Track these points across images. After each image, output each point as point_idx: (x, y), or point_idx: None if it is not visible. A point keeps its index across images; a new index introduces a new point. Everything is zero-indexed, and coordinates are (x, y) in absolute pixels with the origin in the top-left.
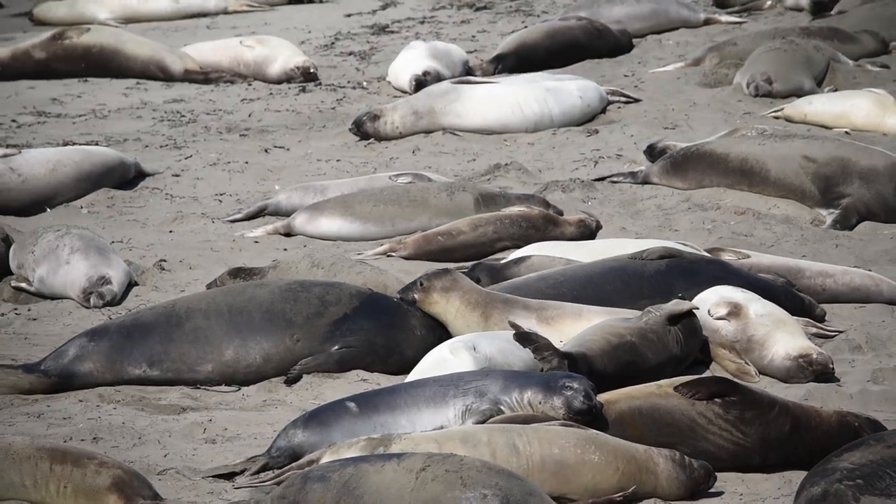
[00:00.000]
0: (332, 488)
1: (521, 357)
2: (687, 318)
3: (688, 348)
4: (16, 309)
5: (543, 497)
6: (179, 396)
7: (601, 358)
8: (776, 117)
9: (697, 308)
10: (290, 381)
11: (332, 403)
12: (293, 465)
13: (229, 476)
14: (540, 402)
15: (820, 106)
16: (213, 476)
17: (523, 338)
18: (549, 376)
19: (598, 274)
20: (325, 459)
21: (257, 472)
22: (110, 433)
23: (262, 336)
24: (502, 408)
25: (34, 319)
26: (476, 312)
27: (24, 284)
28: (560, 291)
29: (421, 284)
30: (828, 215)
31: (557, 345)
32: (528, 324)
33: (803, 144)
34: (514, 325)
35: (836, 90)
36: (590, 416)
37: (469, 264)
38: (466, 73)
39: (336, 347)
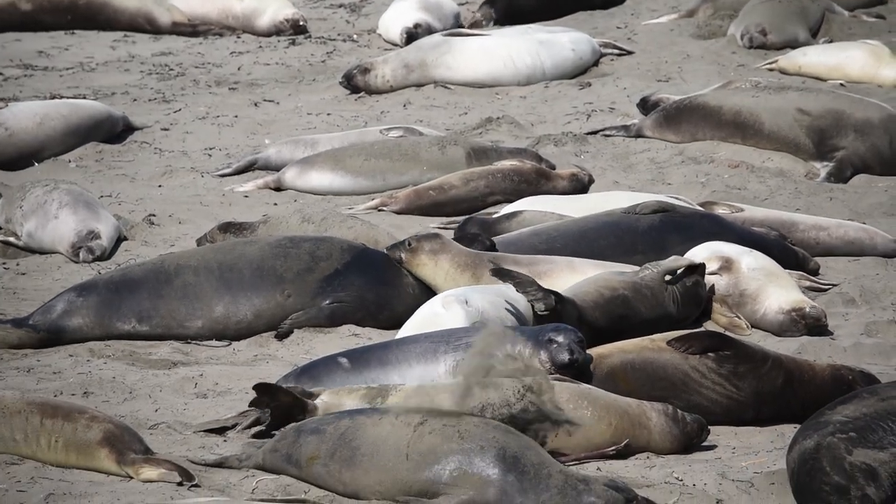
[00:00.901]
0: (328, 440)
1: (514, 311)
2: (691, 283)
3: (685, 311)
4: (4, 263)
5: (539, 450)
6: (170, 351)
7: (593, 310)
8: (770, 69)
9: (696, 265)
10: (281, 336)
11: (324, 359)
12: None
13: (220, 430)
14: (528, 356)
15: (814, 58)
16: (204, 431)
17: (503, 273)
18: (537, 330)
19: (591, 229)
20: (324, 397)
21: (249, 427)
22: (101, 388)
23: (253, 292)
24: (493, 363)
25: (23, 274)
26: (466, 274)
27: (12, 239)
28: (553, 247)
29: (409, 245)
30: (822, 168)
31: None
32: None
33: (798, 97)
34: (494, 263)
35: (831, 41)
36: (573, 371)
37: (460, 219)
38: (458, 25)
39: (327, 302)
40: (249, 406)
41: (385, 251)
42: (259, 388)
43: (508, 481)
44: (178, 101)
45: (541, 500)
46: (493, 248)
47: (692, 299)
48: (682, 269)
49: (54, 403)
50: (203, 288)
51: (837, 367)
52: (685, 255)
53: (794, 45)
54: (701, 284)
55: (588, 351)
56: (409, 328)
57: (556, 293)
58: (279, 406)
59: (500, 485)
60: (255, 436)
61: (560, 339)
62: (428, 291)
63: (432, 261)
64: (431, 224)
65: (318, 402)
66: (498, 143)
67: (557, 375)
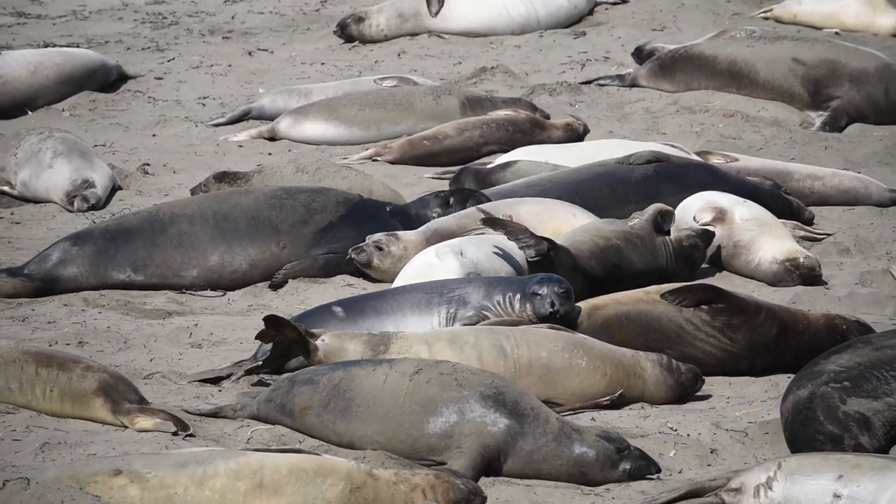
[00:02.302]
0: (322, 391)
1: (509, 262)
2: (689, 244)
3: (677, 267)
4: None
5: (533, 398)
6: (165, 301)
7: (588, 258)
8: (766, 18)
9: (704, 231)
10: (275, 286)
11: (319, 308)
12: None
13: (215, 380)
14: (517, 307)
15: (809, 6)
16: (199, 380)
17: (494, 222)
18: (525, 280)
19: (584, 180)
20: (326, 339)
21: (243, 377)
22: (96, 337)
23: (248, 242)
24: (487, 314)
25: (17, 223)
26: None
27: (6, 188)
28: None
29: (378, 247)
30: (817, 117)
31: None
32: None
33: (793, 46)
34: (483, 211)
35: None
36: (556, 320)
37: (455, 169)
38: None
39: (321, 253)
40: (255, 338)
41: (351, 256)
42: (268, 319)
43: (510, 425)
44: (172, 50)
45: (538, 444)
46: (460, 195)
47: (686, 259)
48: (689, 233)
49: (49, 353)
50: (198, 237)
51: (832, 316)
52: (679, 205)
53: None
54: (698, 248)
55: (583, 302)
56: (404, 278)
57: (549, 240)
58: (282, 341)
59: (504, 428)
60: (249, 385)
61: (543, 290)
62: None
63: (399, 265)
64: (426, 174)
65: (319, 342)
66: (492, 93)
67: (551, 324)
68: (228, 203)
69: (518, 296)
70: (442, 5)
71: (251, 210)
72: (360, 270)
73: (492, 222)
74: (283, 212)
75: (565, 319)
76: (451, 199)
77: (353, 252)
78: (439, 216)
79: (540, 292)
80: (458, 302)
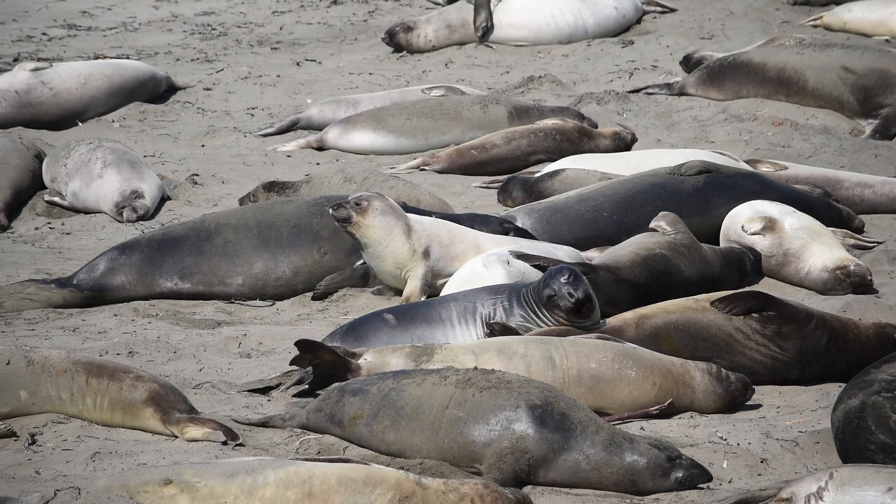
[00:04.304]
0: (371, 401)
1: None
2: (739, 250)
3: (727, 271)
4: (49, 223)
5: (584, 408)
6: (214, 311)
7: (630, 269)
8: (815, 26)
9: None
10: (316, 297)
11: (370, 315)
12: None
13: (265, 390)
14: (544, 318)
15: (859, 13)
16: (248, 390)
17: (527, 258)
18: (535, 289)
19: (637, 192)
20: (368, 357)
21: (292, 386)
22: (146, 347)
23: (291, 249)
24: (528, 324)
25: (67, 233)
26: (407, 244)
27: (57, 199)
28: (600, 215)
29: (358, 204)
30: (867, 125)
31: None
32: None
33: (842, 54)
34: (518, 254)
35: None
36: (583, 308)
37: (503, 178)
38: None
39: (360, 262)
40: (290, 364)
41: (329, 211)
42: (301, 344)
43: (554, 438)
44: (221, 61)
45: (585, 455)
46: (517, 232)
47: (736, 263)
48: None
49: (100, 363)
50: (243, 245)
51: (882, 325)
52: (728, 215)
53: (838, 1)
54: (746, 255)
55: (631, 311)
56: (451, 286)
57: (585, 263)
58: (321, 364)
59: (548, 441)
60: (298, 395)
61: (553, 289)
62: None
63: (382, 222)
64: (473, 183)
65: (361, 361)
66: (540, 102)
67: (600, 334)
68: (271, 212)
69: (534, 308)
70: (489, 20)
71: (293, 218)
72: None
73: (525, 257)
74: (325, 218)
75: (589, 301)
76: (511, 233)
77: (332, 208)
78: None
79: (553, 292)
80: (504, 310)
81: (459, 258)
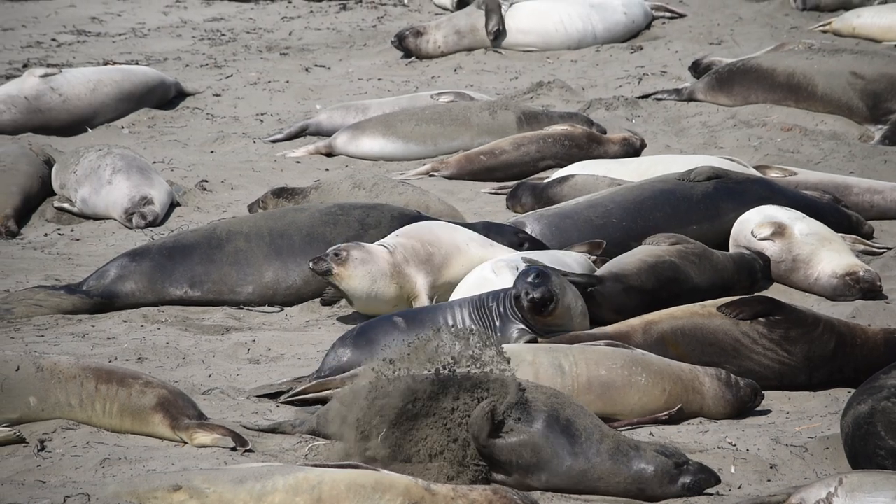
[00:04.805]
0: None
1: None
2: (750, 256)
3: (738, 277)
4: (59, 229)
5: (591, 415)
6: (223, 317)
7: (637, 276)
8: (824, 31)
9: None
10: (326, 303)
11: (381, 319)
12: (335, 377)
13: (274, 396)
14: (515, 313)
15: (869, 19)
16: (257, 396)
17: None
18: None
19: (647, 198)
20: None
21: (301, 392)
22: (155, 353)
23: (303, 259)
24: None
25: (77, 240)
26: (394, 284)
27: (66, 205)
28: (609, 221)
29: (337, 255)
30: (876, 131)
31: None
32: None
33: (852, 60)
34: (529, 261)
35: (885, 2)
36: (538, 307)
37: (512, 184)
38: None
39: None
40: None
41: (310, 266)
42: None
43: (560, 444)
44: (230, 67)
45: (591, 463)
46: (531, 243)
47: (746, 269)
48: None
49: (109, 369)
50: (254, 254)
51: (891, 330)
52: (738, 220)
53: (847, 6)
54: (757, 261)
55: (638, 318)
56: (461, 292)
57: (593, 276)
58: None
59: (552, 448)
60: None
61: (515, 289)
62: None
63: (363, 270)
64: (483, 189)
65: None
66: (549, 108)
67: (609, 340)
68: (283, 220)
69: (507, 305)
70: (501, 24)
71: (306, 227)
72: None
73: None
74: (338, 227)
75: (547, 302)
76: (525, 244)
77: (311, 262)
78: None
79: (517, 292)
80: (505, 316)
81: (446, 264)
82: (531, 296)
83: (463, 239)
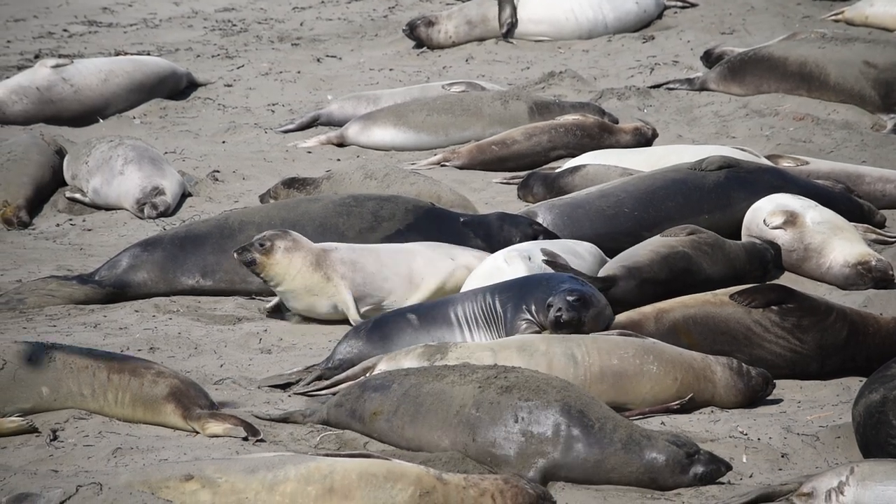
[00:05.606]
0: (392, 396)
1: (579, 266)
2: (762, 245)
3: (750, 267)
4: (71, 219)
5: (603, 406)
6: (234, 307)
7: (649, 267)
8: (836, 20)
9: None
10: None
11: (393, 314)
12: (347, 373)
13: (285, 386)
14: (539, 317)
15: (881, 8)
16: (268, 385)
17: (553, 265)
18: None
19: (658, 188)
20: (382, 366)
21: (313, 382)
22: (167, 343)
23: None
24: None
25: (89, 230)
26: (318, 273)
27: (78, 195)
28: (620, 210)
29: (262, 245)
30: (889, 120)
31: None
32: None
33: (864, 49)
34: (547, 253)
35: None
36: (569, 329)
37: (523, 174)
38: None
39: None
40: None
41: (234, 255)
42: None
43: (574, 435)
44: (241, 58)
45: (605, 453)
46: (546, 234)
47: (758, 258)
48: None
49: (121, 359)
50: None
51: None
52: (751, 209)
53: None
54: (768, 250)
55: (650, 306)
56: (472, 282)
57: (609, 278)
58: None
59: (566, 439)
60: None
61: (554, 300)
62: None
63: (286, 259)
64: (494, 179)
65: (378, 372)
66: (560, 98)
67: (621, 330)
68: (297, 211)
69: (539, 306)
70: (513, 16)
71: (319, 217)
72: None
73: (553, 264)
74: (351, 219)
75: (573, 326)
76: (539, 236)
77: (236, 252)
78: (520, 241)
79: (552, 302)
80: (514, 308)
81: (388, 284)
82: (563, 318)
83: (417, 270)
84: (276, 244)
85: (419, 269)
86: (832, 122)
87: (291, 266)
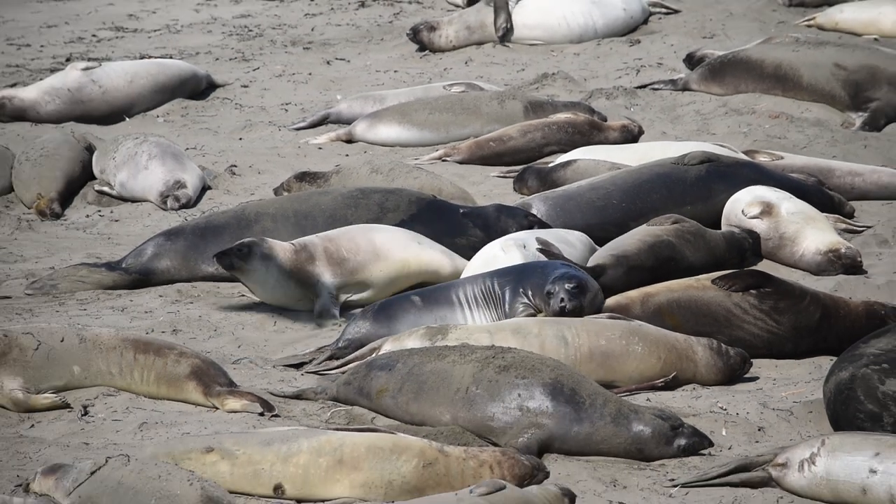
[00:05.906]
0: (397, 374)
1: (571, 254)
2: (741, 234)
3: (728, 255)
4: (99, 211)
5: (593, 383)
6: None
7: (637, 255)
8: (809, 26)
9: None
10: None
11: (399, 297)
12: (356, 353)
13: (298, 365)
14: (538, 302)
15: (850, 14)
16: (283, 365)
17: (549, 255)
18: (547, 273)
19: (644, 181)
20: (388, 347)
21: (324, 361)
22: (188, 326)
23: None
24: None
25: (116, 221)
26: (292, 280)
27: (106, 188)
28: (609, 202)
29: (240, 251)
30: (857, 118)
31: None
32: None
33: (835, 52)
34: (541, 242)
35: None
36: (568, 314)
37: (519, 168)
38: None
39: None
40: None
41: (214, 259)
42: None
43: (566, 412)
44: (257, 61)
45: (595, 427)
46: (540, 224)
47: (737, 246)
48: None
49: (146, 340)
50: (280, 233)
51: (871, 303)
52: (730, 200)
53: (831, 2)
54: (746, 239)
55: (636, 290)
56: (471, 268)
57: (599, 267)
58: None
59: (559, 415)
60: (329, 369)
61: (555, 288)
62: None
63: (263, 266)
64: (492, 173)
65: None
66: (553, 98)
67: (610, 313)
68: (308, 203)
69: (536, 292)
70: (508, 21)
71: (329, 209)
72: None
73: (548, 253)
74: (359, 210)
75: (581, 311)
76: (534, 226)
77: (215, 257)
78: (516, 231)
79: (552, 290)
80: (512, 292)
81: (360, 268)
82: (564, 305)
83: (382, 242)
84: (252, 250)
85: (384, 241)
86: (805, 119)
87: (269, 273)
